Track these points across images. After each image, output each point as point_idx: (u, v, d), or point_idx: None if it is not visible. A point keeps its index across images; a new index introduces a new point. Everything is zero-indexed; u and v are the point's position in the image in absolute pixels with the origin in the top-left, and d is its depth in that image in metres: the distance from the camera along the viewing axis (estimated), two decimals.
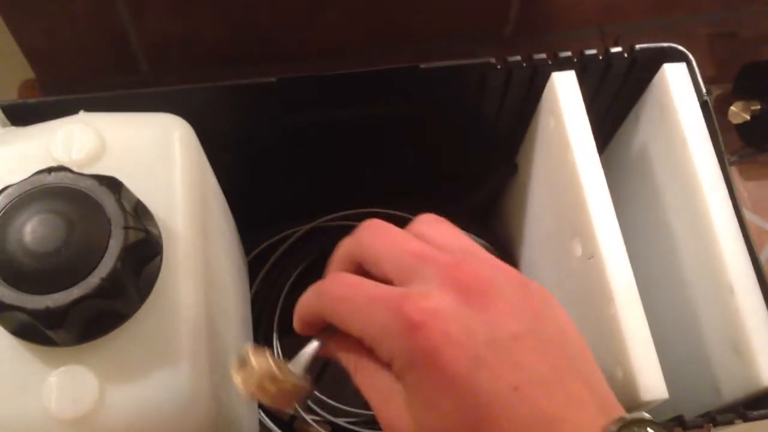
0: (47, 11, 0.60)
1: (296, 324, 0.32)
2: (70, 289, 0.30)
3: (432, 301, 0.27)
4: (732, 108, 0.68)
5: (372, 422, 0.55)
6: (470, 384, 0.26)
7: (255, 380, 0.29)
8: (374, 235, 0.31)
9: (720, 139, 0.42)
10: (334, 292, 0.30)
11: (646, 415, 0.27)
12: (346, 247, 0.32)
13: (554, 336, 0.27)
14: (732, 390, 0.40)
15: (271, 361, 0.30)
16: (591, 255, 0.41)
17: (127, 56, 0.67)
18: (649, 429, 0.26)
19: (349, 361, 0.30)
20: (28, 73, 0.67)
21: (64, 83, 0.68)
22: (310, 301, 0.31)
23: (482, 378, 0.26)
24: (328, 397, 0.55)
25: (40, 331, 0.31)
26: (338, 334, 0.30)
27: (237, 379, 0.30)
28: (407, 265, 0.29)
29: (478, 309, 0.27)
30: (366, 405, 0.56)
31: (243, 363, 0.30)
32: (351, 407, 0.55)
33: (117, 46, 0.65)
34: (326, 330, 0.31)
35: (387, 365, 0.28)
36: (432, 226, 0.31)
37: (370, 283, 0.29)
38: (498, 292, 0.27)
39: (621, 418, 0.26)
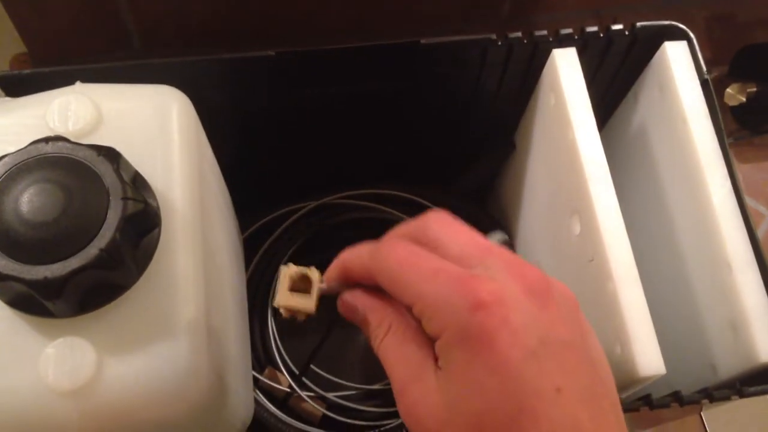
0: None
1: (333, 271, 0.33)
2: (68, 260, 0.30)
3: (499, 286, 0.27)
4: (728, 90, 0.68)
5: (366, 398, 0.55)
6: (520, 373, 0.26)
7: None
8: (442, 221, 0.31)
9: (720, 117, 0.42)
10: (398, 254, 0.30)
11: None
12: (410, 226, 0.32)
13: (594, 356, 0.29)
14: (728, 366, 0.40)
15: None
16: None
17: (120, 33, 0.66)
18: None
19: (381, 325, 0.30)
20: (20, 48, 0.66)
21: (57, 59, 0.67)
22: (361, 257, 0.31)
23: (532, 371, 0.26)
24: (323, 371, 0.55)
25: (38, 302, 0.31)
26: (373, 296, 0.31)
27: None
28: (472, 253, 0.29)
29: (538, 306, 0.27)
30: (362, 379, 0.56)
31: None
32: (345, 381, 0.55)
33: (110, 23, 0.65)
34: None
35: (425, 340, 0.29)
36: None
37: (437, 257, 0.29)
38: (555, 298, 0.28)
39: None
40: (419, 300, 0.28)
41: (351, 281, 0.32)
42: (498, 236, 0.34)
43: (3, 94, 0.41)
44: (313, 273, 0.34)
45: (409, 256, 0.29)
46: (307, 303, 0.34)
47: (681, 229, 0.44)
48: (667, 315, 0.42)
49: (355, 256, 0.32)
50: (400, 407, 0.29)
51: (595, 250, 0.40)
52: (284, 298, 0.34)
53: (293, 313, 0.34)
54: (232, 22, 0.66)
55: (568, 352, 0.27)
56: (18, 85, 0.41)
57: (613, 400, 0.28)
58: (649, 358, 0.37)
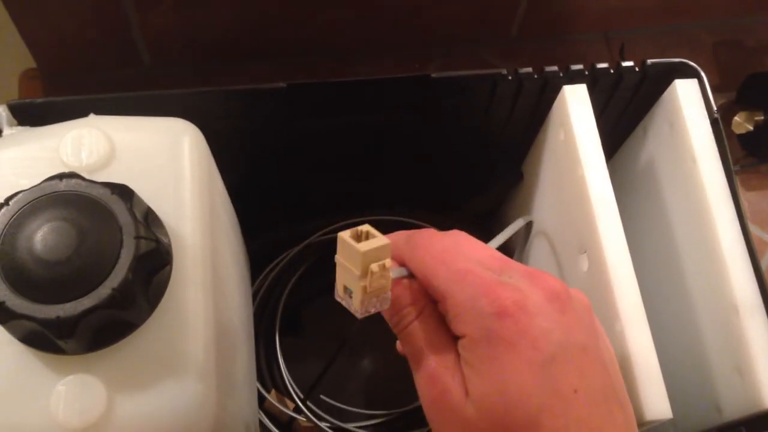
0: (52, 3, 0.59)
1: None
2: (80, 299, 0.30)
3: (523, 295, 0.29)
4: (736, 119, 0.68)
5: (371, 423, 0.55)
6: (540, 375, 0.28)
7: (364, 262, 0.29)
8: (466, 236, 0.32)
9: (729, 157, 0.42)
10: (433, 248, 0.31)
11: None
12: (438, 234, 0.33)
13: (607, 359, 0.30)
14: (733, 409, 0.40)
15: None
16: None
17: (130, 49, 0.66)
18: None
19: (412, 307, 0.31)
20: (30, 63, 0.66)
21: (66, 74, 0.67)
22: (398, 244, 0.32)
23: (552, 373, 0.28)
24: (329, 396, 0.55)
25: (49, 339, 0.31)
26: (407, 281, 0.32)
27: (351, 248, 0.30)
28: (493, 264, 0.30)
29: (558, 312, 0.29)
30: (367, 404, 0.56)
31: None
32: (351, 406, 0.55)
33: (120, 39, 0.65)
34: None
35: (451, 334, 0.30)
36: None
37: (468, 259, 0.30)
38: (572, 304, 0.30)
39: None
40: (448, 297, 0.29)
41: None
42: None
43: (16, 122, 0.41)
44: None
45: (443, 253, 0.31)
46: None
47: (689, 268, 0.44)
48: (673, 355, 0.42)
49: (392, 241, 0.32)
50: (427, 393, 0.30)
51: (603, 290, 0.40)
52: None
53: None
54: (242, 39, 0.67)
55: (585, 355, 0.29)
56: (31, 114, 0.41)
57: (622, 401, 0.30)
58: (655, 403, 0.37)
